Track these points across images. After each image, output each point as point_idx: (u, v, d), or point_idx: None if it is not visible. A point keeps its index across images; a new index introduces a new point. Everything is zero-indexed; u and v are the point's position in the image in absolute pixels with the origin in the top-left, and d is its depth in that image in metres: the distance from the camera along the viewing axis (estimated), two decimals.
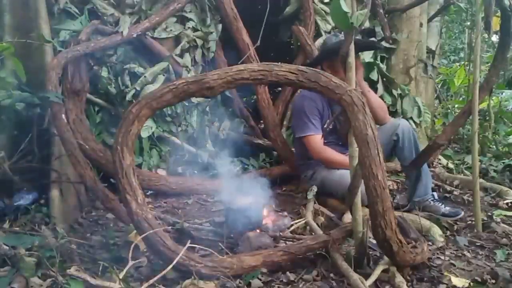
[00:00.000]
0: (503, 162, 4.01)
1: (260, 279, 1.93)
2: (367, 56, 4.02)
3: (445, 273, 2.01)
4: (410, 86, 4.36)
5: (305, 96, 3.02)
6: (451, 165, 4.08)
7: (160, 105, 1.99)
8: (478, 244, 2.42)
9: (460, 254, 2.29)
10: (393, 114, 4.07)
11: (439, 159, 4.22)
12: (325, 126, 2.95)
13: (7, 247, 1.96)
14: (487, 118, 4.68)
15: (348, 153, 2.05)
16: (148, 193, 3.21)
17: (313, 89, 1.94)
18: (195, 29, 3.62)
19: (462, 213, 2.77)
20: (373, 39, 4.12)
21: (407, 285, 1.85)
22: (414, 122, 4.15)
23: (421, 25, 4.48)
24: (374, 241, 1.97)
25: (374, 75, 4.04)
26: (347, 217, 2.56)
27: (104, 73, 3.26)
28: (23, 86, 2.70)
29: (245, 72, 1.94)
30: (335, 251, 2.04)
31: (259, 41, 3.75)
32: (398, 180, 3.49)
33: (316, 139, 2.93)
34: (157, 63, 3.44)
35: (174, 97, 1.96)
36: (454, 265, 2.13)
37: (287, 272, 1.99)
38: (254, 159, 3.87)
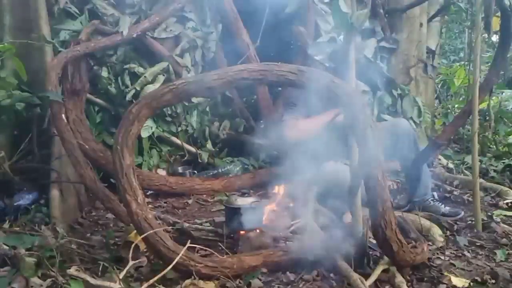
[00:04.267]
0: (503, 162, 4.01)
1: (260, 279, 1.93)
2: (367, 54, 4.01)
3: (445, 273, 2.00)
4: (410, 86, 4.36)
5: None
6: (451, 165, 4.08)
7: (160, 105, 1.99)
8: (478, 244, 2.42)
9: (460, 254, 2.28)
10: (393, 114, 4.07)
11: (439, 159, 4.21)
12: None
13: (7, 247, 1.96)
14: (487, 118, 4.68)
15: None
16: (148, 193, 3.21)
17: (313, 89, 1.94)
18: (195, 29, 3.62)
19: (462, 213, 2.77)
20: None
21: (407, 285, 1.85)
22: (414, 122, 4.14)
23: (421, 25, 4.48)
24: (374, 241, 1.97)
25: None
26: (347, 217, 2.56)
27: (104, 73, 3.27)
28: (23, 86, 2.70)
29: (245, 72, 1.94)
30: (335, 251, 2.04)
31: (258, 41, 3.74)
32: (398, 180, 3.49)
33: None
34: (157, 63, 3.44)
35: (174, 97, 1.96)
36: (454, 265, 2.13)
37: (287, 272, 1.99)
38: (254, 159, 3.87)
